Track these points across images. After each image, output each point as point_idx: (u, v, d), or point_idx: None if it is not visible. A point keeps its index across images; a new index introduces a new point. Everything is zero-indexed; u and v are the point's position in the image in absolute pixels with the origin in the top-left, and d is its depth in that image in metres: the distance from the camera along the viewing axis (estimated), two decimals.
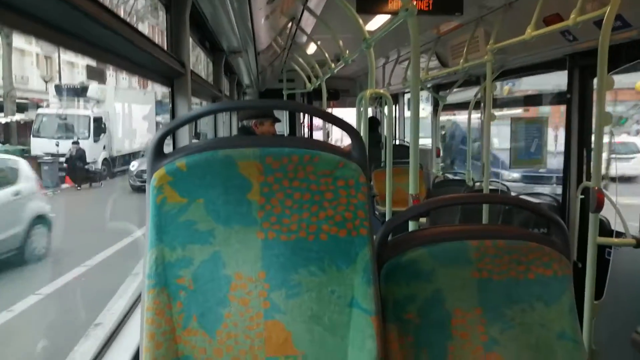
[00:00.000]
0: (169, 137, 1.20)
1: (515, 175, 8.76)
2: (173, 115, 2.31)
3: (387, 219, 3.37)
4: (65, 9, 1.11)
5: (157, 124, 13.48)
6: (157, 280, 1.12)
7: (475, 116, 5.66)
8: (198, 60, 5.13)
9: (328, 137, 9.04)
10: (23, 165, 6.36)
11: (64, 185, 9.29)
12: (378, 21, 4.50)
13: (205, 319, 1.13)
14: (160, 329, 1.10)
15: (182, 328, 1.12)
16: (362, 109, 3.42)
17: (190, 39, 2.43)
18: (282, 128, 9.11)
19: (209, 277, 1.13)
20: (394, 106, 8.08)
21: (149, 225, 1.13)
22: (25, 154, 8.46)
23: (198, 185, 1.12)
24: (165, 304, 1.12)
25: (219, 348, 1.13)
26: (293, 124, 9.15)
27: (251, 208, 1.14)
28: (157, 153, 1.14)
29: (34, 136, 9.92)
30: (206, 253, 1.13)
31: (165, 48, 2.13)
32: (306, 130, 10.13)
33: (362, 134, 3.33)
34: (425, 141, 6.74)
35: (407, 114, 8.96)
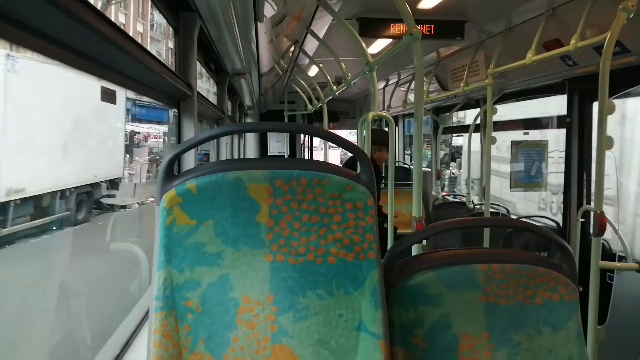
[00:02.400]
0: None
1: None
2: (179, 136, 2.32)
3: (388, 241, 3.36)
4: (77, 28, 1.12)
5: (132, 136, 10.93)
6: (165, 303, 1.11)
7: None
8: (201, 79, 5.17)
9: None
10: None
11: None
12: (379, 44, 4.56)
13: (212, 342, 1.12)
14: (167, 352, 1.09)
15: (189, 351, 1.11)
16: (364, 131, 3.45)
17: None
18: (283, 148, 9.16)
19: (216, 299, 1.13)
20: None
21: (157, 247, 1.13)
22: None
23: (207, 207, 1.12)
24: (172, 326, 1.11)
25: None
26: (293, 144, 9.19)
27: (260, 230, 1.14)
28: (168, 174, 1.14)
29: None
30: (214, 275, 1.13)
31: (174, 70, 2.16)
32: (306, 150, 10.17)
33: None
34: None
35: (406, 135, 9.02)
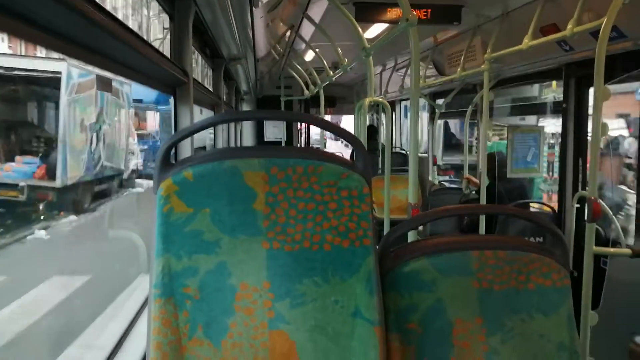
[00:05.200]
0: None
1: None
2: (175, 123, 2.32)
3: (384, 227, 3.38)
4: (71, 16, 1.11)
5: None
6: (164, 290, 1.13)
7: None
8: (197, 64, 5.15)
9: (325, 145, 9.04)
10: None
11: None
12: (376, 29, 4.53)
13: (210, 329, 1.14)
14: (167, 338, 1.11)
15: (188, 338, 1.13)
16: (361, 117, 3.44)
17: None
18: (280, 134, 9.13)
19: (214, 286, 1.14)
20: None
21: (155, 235, 1.14)
22: None
23: (204, 195, 1.13)
24: (171, 313, 1.12)
25: (224, 358, 1.14)
26: (290, 130, 9.17)
27: (256, 218, 1.15)
28: (165, 163, 1.15)
29: None
30: (212, 263, 1.15)
31: (169, 56, 2.15)
32: (303, 137, 10.17)
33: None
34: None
35: (403, 121, 9.01)
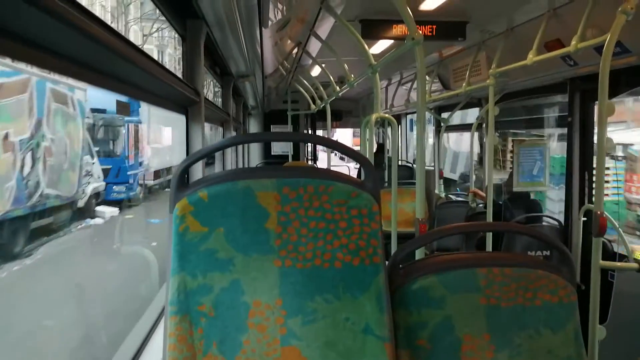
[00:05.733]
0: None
1: None
2: (188, 142, 2.36)
3: (392, 241, 3.40)
4: (84, 41, 1.14)
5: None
6: (179, 308, 1.16)
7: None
8: (206, 82, 5.21)
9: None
10: None
11: None
12: (382, 44, 4.59)
13: (224, 346, 1.17)
14: (182, 354, 1.14)
15: (203, 354, 1.16)
16: (367, 132, 3.48)
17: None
18: (287, 149, 9.18)
19: (228, 304, 1.17)
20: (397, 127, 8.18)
21: (171, 254, 1.17)
22: None
23: (219, 215, 1.17)
24: (187, 330, 1.15)
25: None
26: (297, 145, 9.22)
27: (269, 237, 1.19)
28: (180, 184, 1.19)
29: None
30: (226, 281, 1.18)
31: (181, 77, 2.20)
32: (310, 152, 10.22)
33: (367, 156, 3.39)
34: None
35: (409, 134, 9.05)
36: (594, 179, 2.54)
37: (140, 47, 1.56)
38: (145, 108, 11.90)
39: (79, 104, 8.49)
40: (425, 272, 1.28)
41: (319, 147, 11.70)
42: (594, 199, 2.69)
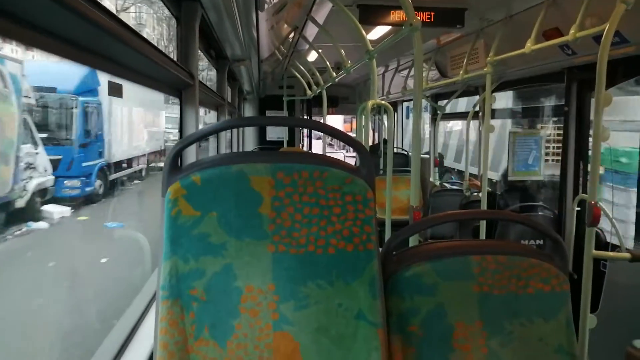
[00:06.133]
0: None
1: None
2: (181, 125, 2.34)
3: (386, 228, 3.41)
4: (76, 21, 1.12)
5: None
6: (171, 292, 1.15)
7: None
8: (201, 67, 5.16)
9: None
10: None
11: None
12: (379, 30, 4.55)
13: (216, 330, 1.16)
14: (173, 339, 1.14)
15: (194, 338, 1.16)
16: (363, 119, 3.47)
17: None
18: (282, 134, 9.15)
19: (220, 288, 1.17)
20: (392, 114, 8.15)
21: (163, 238, 1.16)
22: None
23: (211, 198, 1.16)
24: (178, 314, 1.15)
25: (229, 358, 1.16)
26: (292, 131, 9.19)
27: (262, 222, 1.18)
28: (173, 167, 1.18)
29: None
30: (218, 265, 1.17)
31: (175, 59, 2.17)
32: (305, 138, 10.18)
33: (363, 142, 3.38)
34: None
35: (406, 121, 9.03)
36: (589, 168, 2.54)
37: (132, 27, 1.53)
38: (105, 87, 9.82)
39: (11, 79, 6.65)
40: (419, 259, 1.28)
41: (314, 135, 11.68)
42: (588, 188, 2.69)
